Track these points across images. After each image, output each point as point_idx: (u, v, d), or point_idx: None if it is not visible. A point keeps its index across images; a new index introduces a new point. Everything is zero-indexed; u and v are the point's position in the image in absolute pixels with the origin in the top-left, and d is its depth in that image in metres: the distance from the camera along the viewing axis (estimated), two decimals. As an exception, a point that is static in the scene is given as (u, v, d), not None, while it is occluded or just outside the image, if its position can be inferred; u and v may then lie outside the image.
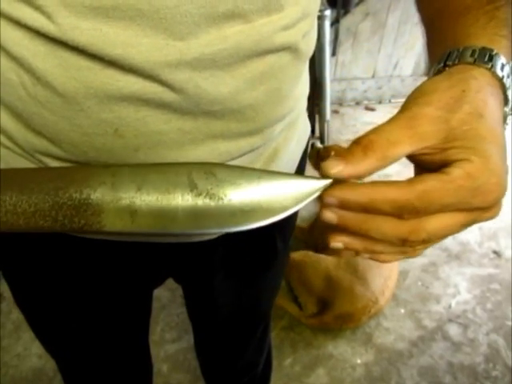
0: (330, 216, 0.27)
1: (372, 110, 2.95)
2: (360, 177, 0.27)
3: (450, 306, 1.60)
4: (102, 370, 0.70)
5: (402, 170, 2.28)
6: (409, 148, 0.27)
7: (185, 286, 0.72)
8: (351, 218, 0.27)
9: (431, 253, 1.83)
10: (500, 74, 0.31)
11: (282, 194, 0.28)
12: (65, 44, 0.31)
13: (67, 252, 0.51)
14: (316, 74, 2.04)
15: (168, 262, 0.59)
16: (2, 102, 0.36)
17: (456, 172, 0.26)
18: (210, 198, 0.26)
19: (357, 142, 0.28)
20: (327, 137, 2.26)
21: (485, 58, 0.30)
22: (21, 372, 1.29)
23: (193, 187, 0.26)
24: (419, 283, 1.69)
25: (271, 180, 0.28)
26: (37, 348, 1.33)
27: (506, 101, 0.32)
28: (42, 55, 0.31)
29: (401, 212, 0.26)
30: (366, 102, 2.99)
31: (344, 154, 0.27)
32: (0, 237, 0.51)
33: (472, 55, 0.31)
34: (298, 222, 2.00)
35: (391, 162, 0.28)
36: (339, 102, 2.91)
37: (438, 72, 0.32)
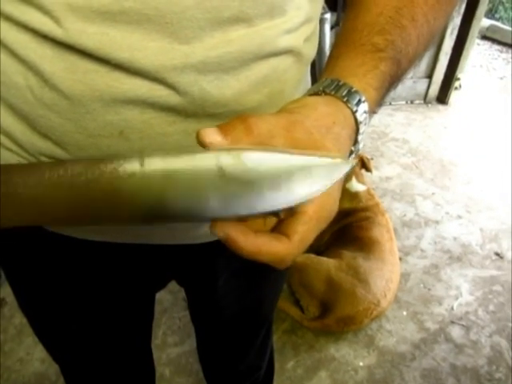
0: (221, 235, 0.29)
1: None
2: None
3: (452, 308, 1.60)
4: (105, 373, 0.69)
5: (403, 172, 2.28)
6: (281, 146, 0.29)
7: (188, 288, 0.72)
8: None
9: (433, 255, 1.83)
10: (359, 118, 0.35)
11: (310, 176, 0.28)
12: (72, 48, 0.31)
13: (71, 255, 0.51)
14: (317, 77, 2.04)
15: (171, 265, 0.59)
16: (8, 104, 0.37)
17: (310, 208, 0.30)
18: (239, 184, 0.27)
19: (242, 119, 0.28)
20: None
21: (354, 100, 0.35)
22: (23, 377, 1.29)
23: (222, 173, 0.26)
24: (421, 285, 1.68)
25: (299, 162, 0.28)
26: (39, 352, 1.33)
27: (355, 142, 0.37)
28: (50, 58, 0.32)
29: (281, 262, 0.29)
30: (366, 105, 2.99)
31: (225, 126, 0.28)
32: (4, 241, 0.52)
33: (346, 94, 0.35)
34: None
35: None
36: (340, 105, 2.91)
37: (316, 93, 0.36)
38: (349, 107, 0.34)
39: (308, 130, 0.30)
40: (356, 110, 0.35)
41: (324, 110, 0.33)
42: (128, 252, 0.51)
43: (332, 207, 0.32)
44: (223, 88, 0.36)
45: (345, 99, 0.34)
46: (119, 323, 0.63)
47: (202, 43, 0.33)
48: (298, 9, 0.38)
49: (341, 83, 0.35)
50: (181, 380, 1.32)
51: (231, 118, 0.28)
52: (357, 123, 0.35)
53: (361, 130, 0.36)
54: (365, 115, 0.36)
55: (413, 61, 0.42)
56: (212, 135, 0.27)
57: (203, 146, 0.27)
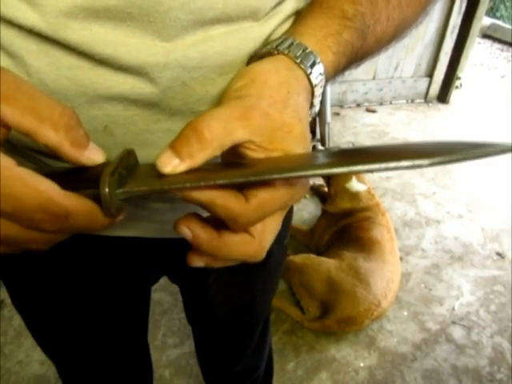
0: (186, 232, 0.28)
1: (373, 111, 2.94)
2: (191, 168, 0.27)
3: (453, 309, 1.59)
4: (102, 373, 0.69)
5: (403, 171, 2.27)
6: (241, 138, 0.28)
7: (181, 286, 0.72)
8: (204, 238, 0.28)
9: (434, 255, 1.82)
10: (314, 81, 0.34)
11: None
12: (57, 43, 0.31)
13: (63, 250, 0.51)
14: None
15: (161, 259, 0.59)
16: None
17: (279, 182, 0.28)
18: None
19: (192, 127, 0.27)
20: (328, 139, 2.26)
21: (308, 62, 0.33)
22: (22, 379, 1.29)
23: None
24: (422, 285, 1.68)
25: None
26: (38, 354, 1.33)
27: (311, 105, 0.35)
28: (35, 53, 0.32)
29: (234, 221, 0.27)
30: (366, 104, 2.99)
31: (178, 145, 0.27)
32: None
33: (300, 55, 0.33)
34: (300, 224, 1.99)
35: (223, 150, 0.28)
36: (340, 104, 2.91)
37: (268, 51, 0.34)
38: (302, 69, 0.33)
39: (264, 111, 0.29)
40: (310, 72, 0.33)
41: (275, 80, 0.31)
42: (117, 245, 0.52)
43: (303, 189, 0.31)
44: (206, 85, 0.36)
45: (298, 60, 0.33)
46: (114, 318, 0.63)
47: (183, 41, 0.33)
48: (280, 11, 0.38)
49: (296, 42, 0.34)
50: (181, 382, 1.32)
51: (183, 128, 0.27)
52: (312, 85, 0.34)
53: (316, 93, 0.35)
54: (320, 77, 0.34)
55: (380, 42, 0.41)
56: (168, 162, 0.26)
57: (164, 174, 0.26)
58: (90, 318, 0.60)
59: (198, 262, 0.30)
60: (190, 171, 0.27)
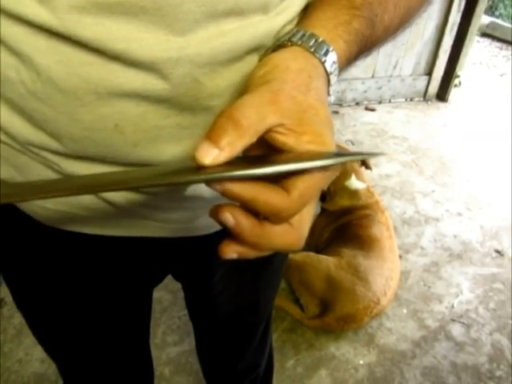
0: (229, 218, 0.27)
1: (372, 110, 2.94)
2: (232, 157, 0.27)
3: (452, 306, 1.60)
4: (103, 372, 0.69)
5: (402, 169, 2.28)
6: (274, 122, 0.28)
7: (185, 284, 0.72)
8: (246, 225, 0.28)
9: (433, 252, 1.82)
10: (329, 69, 0.34)
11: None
12: (67, 39, 0.31)
13: (67, 251, 0.51)
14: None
15: (167, 258, 0.59)
16: (3, 97, 0.36)
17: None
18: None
19: (227, 116, 0.27)
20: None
21: (322, 50, 0.34)
22: (22, 377, 1.28)
23: None
24: (421, 283, 1.68)
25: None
26: (39, 353, 1.33)
27: (328, 93, 0.36)
28: (44, 51, 0.32)
29: (277, 216, 0.28)
30: (365, 102, 2.99)
31: (215, 135, 0.26)
32: (0, 239, 0.51)
33: (313, 45, 0.34)
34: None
35: (258, 137, 0.28)
36: (339, 103, 2.91)
37: (282, 44, 0.35)
38: (316, 57, 0.34)
39: (290, 95, 0.29)
40: (325, 61, 0.34)
41: (295, 66, 0.32)
42: (123, 245, 0.51)
43: (335, 174, 0.31)
44: (216, 79, 0.36)
45: (312, 49, 0.33)
46: (117, 319, 0.62)
47: (196, 35, 0.33)
48: (289, 6, 0.38)
49: (308, 33, 0.34)
50: (180, 379, 1.32)
51: (216, 117, 0.27)
52: (327, 73, 0.35)
53: (332, 81, 0.35)
54: (334, 65, 0.35)
55: (387, 31, 0.41)
56: (208, 153, 0.26)
57: (204, 166, 0.26)
58: (91, 318, 0.60)
59: (231, 253, 0.29)
60: (225, 164, 0.26)
